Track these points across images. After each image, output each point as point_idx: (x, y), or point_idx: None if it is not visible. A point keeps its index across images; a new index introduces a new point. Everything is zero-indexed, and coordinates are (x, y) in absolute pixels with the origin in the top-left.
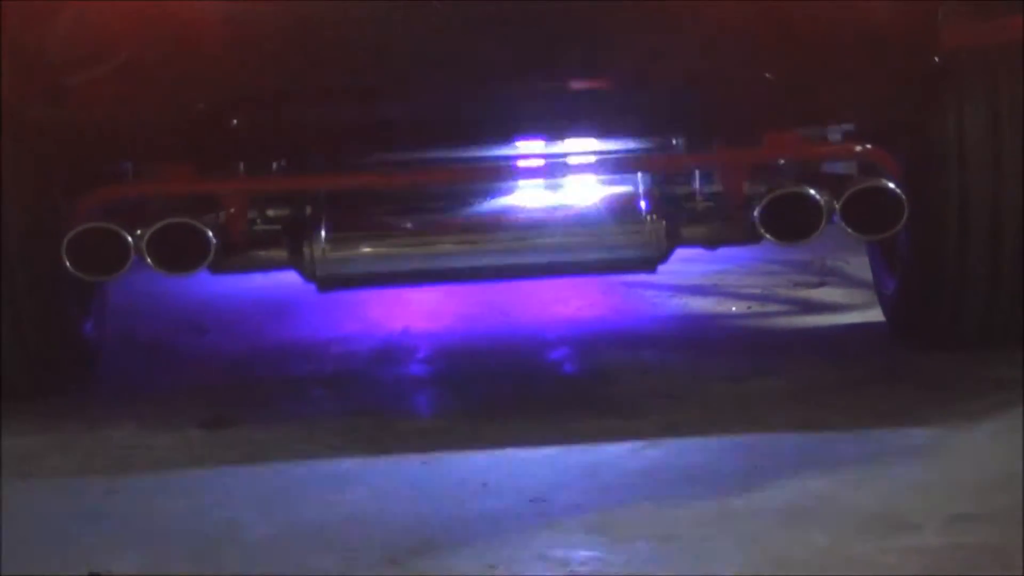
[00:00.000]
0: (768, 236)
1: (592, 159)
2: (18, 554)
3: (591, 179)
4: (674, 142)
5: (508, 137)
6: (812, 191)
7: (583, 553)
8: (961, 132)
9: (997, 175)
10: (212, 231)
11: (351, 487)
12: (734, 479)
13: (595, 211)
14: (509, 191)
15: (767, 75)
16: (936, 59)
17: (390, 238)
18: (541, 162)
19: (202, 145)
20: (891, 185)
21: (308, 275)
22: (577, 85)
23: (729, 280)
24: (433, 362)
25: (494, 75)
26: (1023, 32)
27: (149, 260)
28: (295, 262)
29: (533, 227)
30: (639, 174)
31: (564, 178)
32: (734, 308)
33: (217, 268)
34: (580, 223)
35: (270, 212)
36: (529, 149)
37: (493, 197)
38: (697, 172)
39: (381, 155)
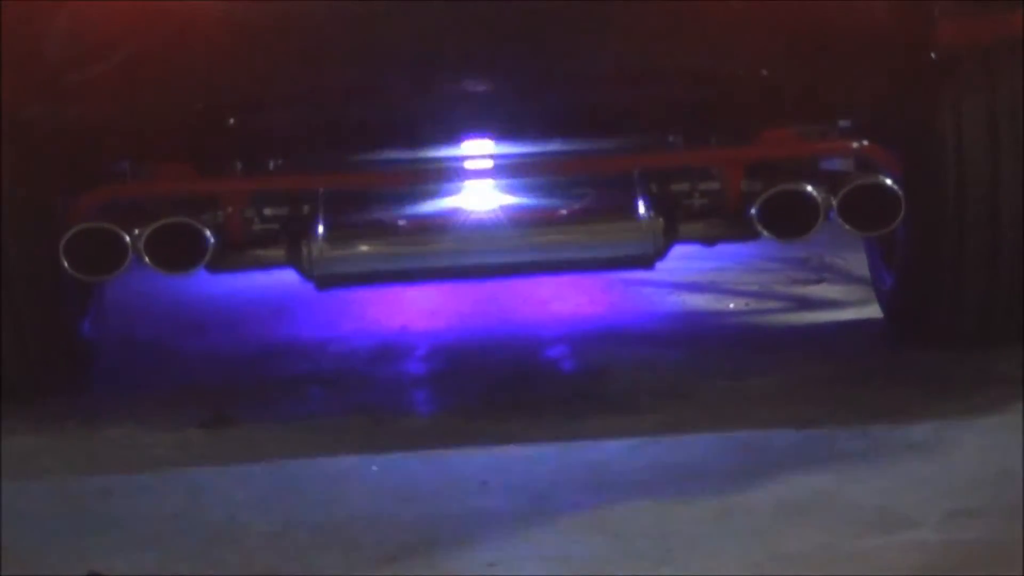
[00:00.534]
0: (766, 233)
1: (590, 156)
2: (16, 554)
3: (589, 176)
4: (671, 139)
5: (506, 135)
6: (809, 188)
7: (582, 551)
8: (958, 128)
9: (994, 171)
10: (210, 230)
11: (350, 486)
12: (733, 476)
13: (593, 208)
14: (507, 189)
15: (764, 72)
16: (933, 55)
17: (388, 236)
18: (539, 160)
19: (200, 144)
20: (888, 181)
21: (306, 274)
22: (575, 82)
23: (727, 277)
24: (432, 360)
25: (492, 73)
26: (1020, 28)
27: (147, 259)
28: (293, 261)
29: (531, 225)
30: (636, 171)
31: (561, 176)
32: (732, 305)
33: (215, 267)
34: (578, 220)
35: (268, 211)
36: (527, 147)
37: (491, 195)
38: (694, 169)
39: (379, 154)
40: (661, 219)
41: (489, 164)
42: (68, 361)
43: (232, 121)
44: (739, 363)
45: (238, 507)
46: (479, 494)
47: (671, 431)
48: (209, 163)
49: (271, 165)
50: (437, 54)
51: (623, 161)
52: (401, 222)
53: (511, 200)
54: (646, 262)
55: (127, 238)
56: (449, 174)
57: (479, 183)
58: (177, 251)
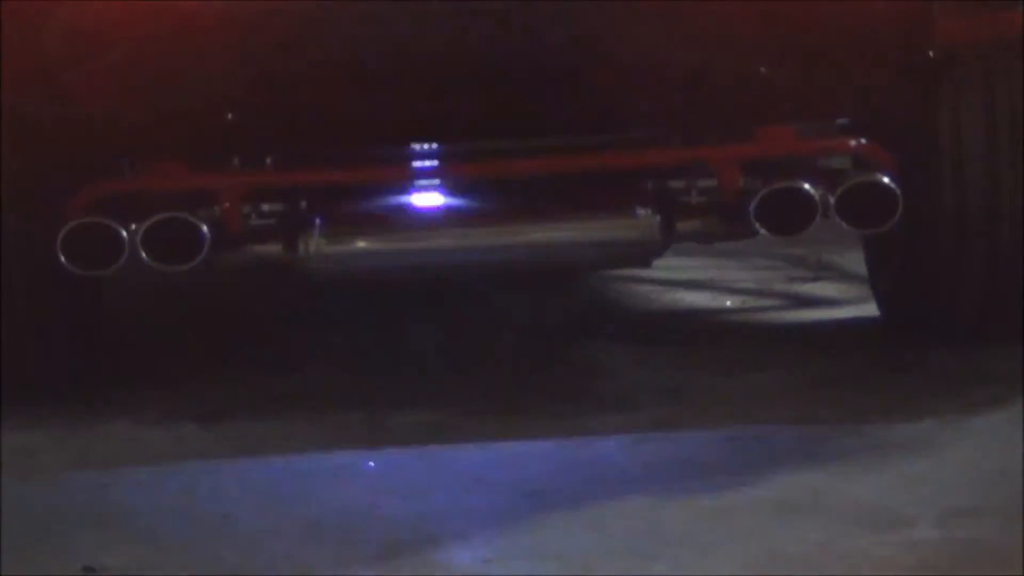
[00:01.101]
0: (763, 230)
1: (587, 154)
2: (13, 549)
3: (585, 174)
4: (669, 136)
5: (503, 132)
6: (807, 186)
7: (577, 547)
8: (956, 126)
9: (992, 170)
10: (207, 226)
11: (345, 481)
12: (729, 473)
13: (590, 206)
14: (505, 185)
15: (762, 70)
16: (931, 54)
17: (385, 233)
18: (536, 157)
19: (197, 140)
20: (886, 180)
21: (303, 270)
22: (572, 80)
23: (723, 274)
24: (427, 355)
25: (488, 70)
26: (1019, 27)
27: (144, 255)
28: (290, 257)
29: (528, 222)
30: (634, 168)
31: (559, 173)
32: (729, 303)
33: (212, 263)
34: (575, 218)
35: (265, 207)
36: (524, 144)
37: (488, 191)
38: (692, 166)
39: (376, 150)
40: (658, 216)
41: (486, 160)
42: (65, 356)
43: (229, 117)
44: (735, 361)
45: (233, 503)
46: (473, 490)
47: (666, 428)
48: (206, 159)
49: (268, 161)
50: (433, 50)
51: (620, 158)
52: (398, 218)
53: (508, 197)
54: (643, 259)
55: (124, 233)
56: (446, 171)
57: (476, 180)
58: (174, 246)
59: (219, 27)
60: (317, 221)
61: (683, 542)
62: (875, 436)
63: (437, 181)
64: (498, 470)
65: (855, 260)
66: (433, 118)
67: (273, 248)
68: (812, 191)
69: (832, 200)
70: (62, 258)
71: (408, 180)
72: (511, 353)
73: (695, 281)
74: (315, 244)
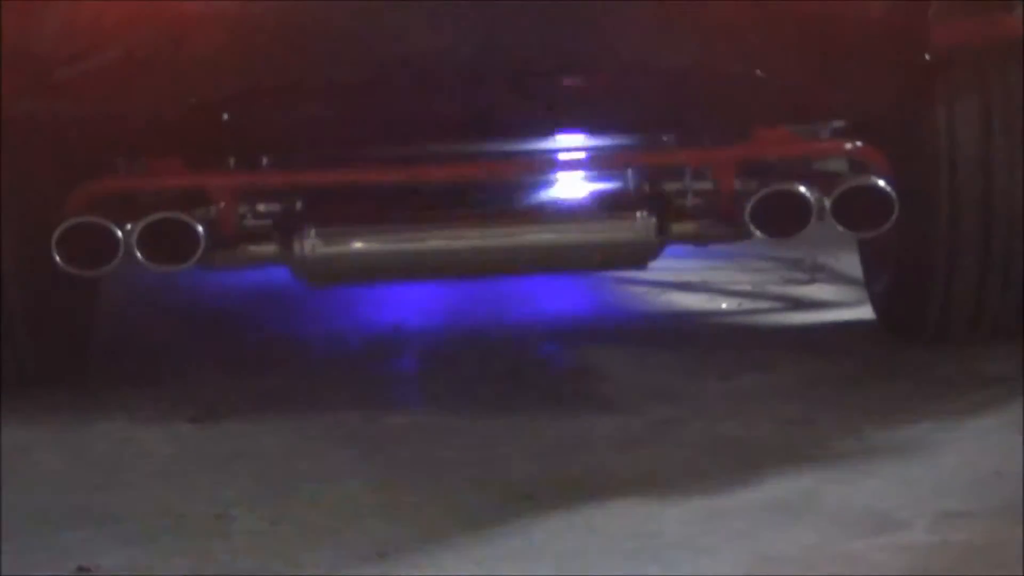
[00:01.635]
0: (758, 233)
1: (582, 155)
2: (7, 547)
3: (581, 175)
4: (664, 138)
5: (498, 133)
6: (802, 188)
7: (571, 550)
8: (951, 129)
9: (987, 172)
10: (202, 226)
11: (341, 481)
12: (723, 475)
13: (585, 207)
14: (499, 187)
15: (757, 72)
16: (927, 56)
17: (381, 234)
18: (532, 158)
19: (193, 140)
20: (881, 182)
21: (298, 270)
22: (568, 81)
23: (719, 277)
24: (422, 357)
25: (484, 71)
26: (1013, 30)
27: (139, 255)
28: (285, 257)
29: (524, 223)
30: (629, 170)
31: (554, 174)
32: (724, 305)
33: (207, 263)
34: (570, 219)
35: (260, 207)
36: (519, 145)
37: (483, 193)
38: (688, 168)
39: (371, 150)
40: (654, 218)
41: (481, 162)
42: (60, 355)
43: (225, 117)
44: (730, 363)
45: (228, 502)
46: (469, 491)
47: (661, 430)
48: (202, 159)
49: (264, 161)
50: (430, 51)
51: (616, 159)
52: (393, 219)
53: (504, 198)
54: (639, 261)
55: (119, 233)
56: (441, 171)
57: (471, 181)
58: (169, 246)
59: (215, 26)
60: (312, 222)
61: (678, 544)
62: (870, 438)
63: (432, 182)
64: (492, 470)
65: (850, 262)
66: (429, 119)
67: (268, 248)
68: (808, 193)
69: (828, 202)
70: (57, 258)
71: (404, 181)
72: (505, 353)
73: (690, 283)
74: (310, 244)
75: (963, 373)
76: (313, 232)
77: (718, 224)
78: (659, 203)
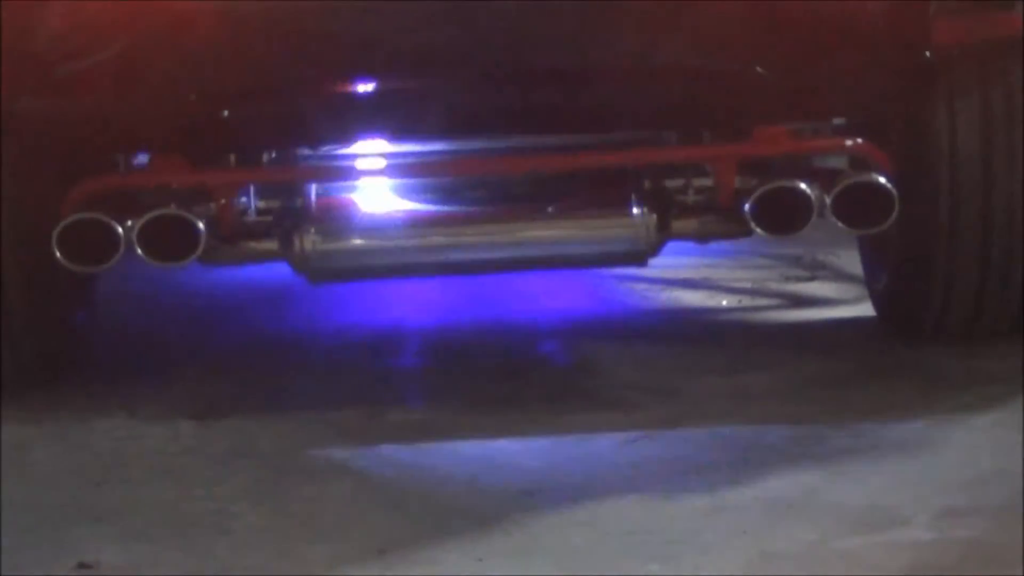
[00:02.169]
0: (759, 230)
1: (583, 152)
2: (8, 544)
3: (582, 172)
4: (665, 135)
5: (499, 130)
6: (803, 185)
7: (572, 547)
8: (952, 127)
9: (987, 170)
10: (203, 222)
11: (341, 479)
12: (724, 472)
13: (586, 204)
14: (500, 184)
15: (758, 69)
16: (928, 54)
17: (381, 231)
18: (532, 155)
19: (193, 136)
20: (882, 180)
21: (299, 267)
22: (568, 79)
23: (720, 274)
24: (424, 354)
25: (486, 69)
26: (1014, 28)
27: (140, 251)
28: (286, 254)
29: (524, 220)
30: (630, 167)
31: (555, 171)
32: (724, 302)
33: (208, 260)
34: (571, 216)
35: (261, 204)
36: (520, 142)
37: (484, 190)
38: (688, 165)
39: (372, 147)
40: (654, 215)
41: (483, 159)
42: (61, 352)
43: (225, 113)
44: (731, 360)
45: (228, 499)
46: (469, 488)
47: (662, 427)
48: (202, 155)
49: (264, 158)
50: (429, 49)
51: (616, 157)
52: (394, 216)
53: (505, 195)
54: (639, 258)
55: (120, 230)
56: (442, 168)
57: (472, 178)
58: (170, 243)
59: (216, 23)
60: (313, 219)
61: (678, 541)
62: (871, 435)
63: (433, 179)
64: (493, 468)
65: (851, 260)
66: (430, 116)
67: (269, 244)
68: (808, 191)
69: (828, 200)
70: (58, 254)
71: (404, 178)
72: (506, 351)
73: (691, 280)
74: (311, 240)
75: (963, 370)
76: (313, 228)
77: (719, 221)
78: (660, 200)
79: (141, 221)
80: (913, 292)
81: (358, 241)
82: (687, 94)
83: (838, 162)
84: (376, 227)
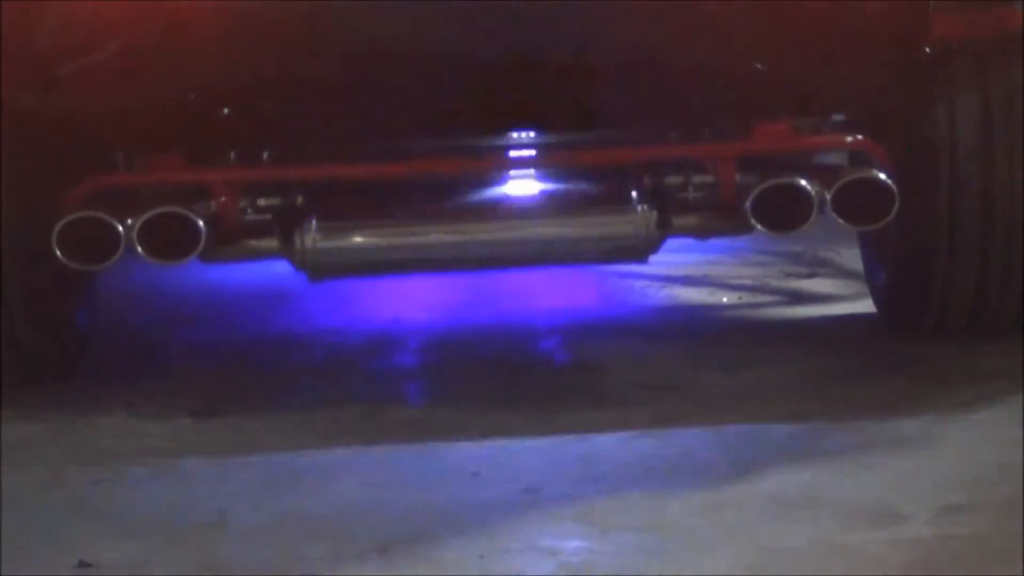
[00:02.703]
0: (759, 227)
1: (584, 149)
2: (8, 543)
3: (582, 169)
4: (665, 132)
5: (499, 127)
6: (803, 182)
7: (574, 543)
8: (952, 123)
9: (987, 166)
10: (203, 220)
11: (341, 477)
12: (724, 469)
13: (586, 201)
14: (500, 181)
15: (758, 66)
16: (927, 50)
17: (381, 228)
18: (532, 152)
19: (193, 134)
20: (882, 176)
21: (299, 265)
22: (569, 76)
23: (720, 271)
24: (424, 352)
25: (485, 67)
26: (1014, 24)
27: (140, 249)
28: (286, 252)
29: (524, 217)
30: (630, 164)
31: (555, 168)
32: (725, 299)
33: (208, 257)
34: (571, 213)
35: (261, 201)
36: (520, 139)
37: (484, 187)
38: (688, 162)
39: (371, 145)
40: (655, 212)
41: (482, 156)
42: (61, 350)
43: (225, 111)
44: (731, 357)
45: (229, 498)
46: (470, 485)
47: (663, 424)
48: (202, 153)
49: (264, 155)
50: (429, 47)
51: (617, 154)
52: (393, 213)
53: (504, 192)
54: (639, 255)
55: (120, 228)
56: (440, 166)
57: (471, 175)
58: (170, 241)
59: (215, 22)
60: (313, 216)
61: (679, 538)
62: (871, 432)
63: (431, 176)
64: (494, 466)
65: (851, 256)
66: (428, 114)
67: (269, 242)
68: (808, 187)
69: (828, 196)
70: (58, 252)
71: (404, 175)
72: (506, 348)
73: (691, 277)
74: (311, 238)
75: (963, 367)
76: (313, 226)
77: (719, 218)
78: (660, 197)
79: (141, 219)
80: (913, 289)
81: (357, 238)
82: (687, 91)
83: (838, 159)
84: (375, 224)
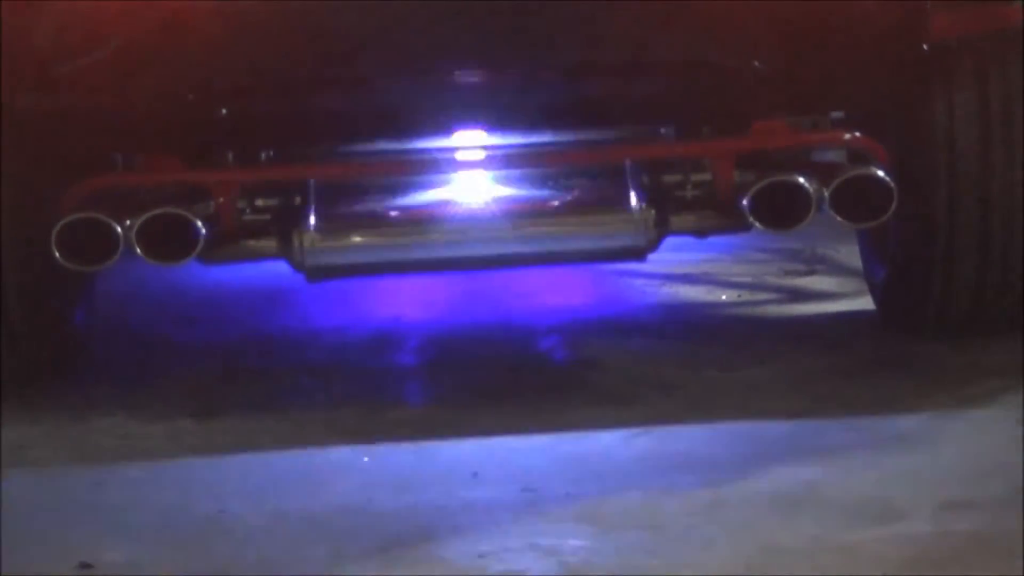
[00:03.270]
0: (758, 224)
1: (582, 147)
2: (8, 545)
3: (581, 168)
4: (663, 131)
5: (498, 126)
6: (801, 179)
7: (573, 542)
8: (950, 120)
9: (986, 163)
10: (201, 221)
11: (341, 476)
12: (724, 467)
13: (585, 200)
14: (500, 180)
15: (756, 63)
16: (925, 47)
17: (379, 228)
18: (530, 151)
19: (191, 135)
20: (880, 173)
21: (297, 265)
22: (566, 74)
23: (719, 268)
24: (423, 351)
25: (484, 64)
26: (1012, 21)
27: (138, 250)
28: (284, 252)
29: (522, 216)
30: (628, 163)
31: (554, 167)
32: (724, 296)
33: (207, 258)
34: (570, 212)
35: (259, 202)
36: (519, 138)
37: (482, 186)
38: (686, 160)
39: (370, 144)
40: (653, 210)
41: (480, 155)
42: (60, 351)
43: (223, 112)
44: (731, 355)
45: (229, 498)
46: (470, 485)
47: (662, 422)
48: (200, 154)
49: (262, 156)
50: (428, 46)
51: (615, 152)
52: (392, 213)
53: (503, 191)
54: (638, 254)
55: (118, 229)
56: (440, 165)
57: (470, 174)
58: (168, 242)
59: (214, 23)
60: (311, 216)
61: (679, 536)
62: (871, 429)
63: (430, 176)
64: (494, 464)
65: (850, 254)
66: (427, 113)
67: (267, 243)
68: (807, 185)
69: (827, 194)
70: (57, 253)
71: (402, 175)
72: (505, 347)
73: (690, 275)
74: (309, 238)
75: (963, 364)
76: (311, 226)
77: (717, 216)
78: (658, 195)
79: (140, 220)
80: (912, 286)
81: (356, 238)
82: (685, 89)
83: (836, 156)
84: (374, 224)
